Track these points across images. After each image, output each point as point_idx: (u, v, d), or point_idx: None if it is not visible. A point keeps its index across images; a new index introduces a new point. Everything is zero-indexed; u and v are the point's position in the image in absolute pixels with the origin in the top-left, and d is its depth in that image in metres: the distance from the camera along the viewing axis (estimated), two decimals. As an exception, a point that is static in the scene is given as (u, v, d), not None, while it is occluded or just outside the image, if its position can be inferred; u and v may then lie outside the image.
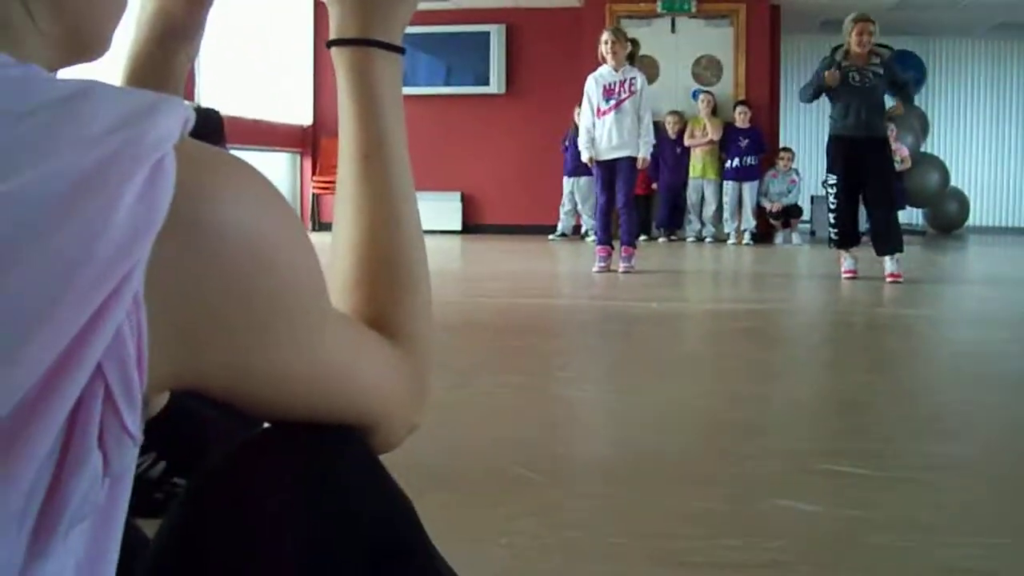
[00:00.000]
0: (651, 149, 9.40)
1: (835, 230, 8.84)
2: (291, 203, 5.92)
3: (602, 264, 9.23)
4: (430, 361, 1.02)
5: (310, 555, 0.83)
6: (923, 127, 16.81)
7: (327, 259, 1.03)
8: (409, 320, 1.00)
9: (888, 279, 8.45)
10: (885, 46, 8.84)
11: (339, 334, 0.87)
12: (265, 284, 0.75)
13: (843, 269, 8.85)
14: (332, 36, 1.05)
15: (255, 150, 14.08)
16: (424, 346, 1.01)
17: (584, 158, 9.31)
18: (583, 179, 13.78)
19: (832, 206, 8.83)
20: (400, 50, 1.07)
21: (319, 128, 15.40)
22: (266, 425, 0.89)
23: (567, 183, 14.54)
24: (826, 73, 8.50)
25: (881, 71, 8.55)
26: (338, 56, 1.05)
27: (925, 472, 2.99)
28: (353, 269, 1.01)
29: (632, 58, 9.31)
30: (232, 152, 0.79)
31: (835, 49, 8.75)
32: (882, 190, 8.70)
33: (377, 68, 1.04)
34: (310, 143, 15.43)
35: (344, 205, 1.03)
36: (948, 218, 17.09)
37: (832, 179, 8.78)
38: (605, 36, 9.27)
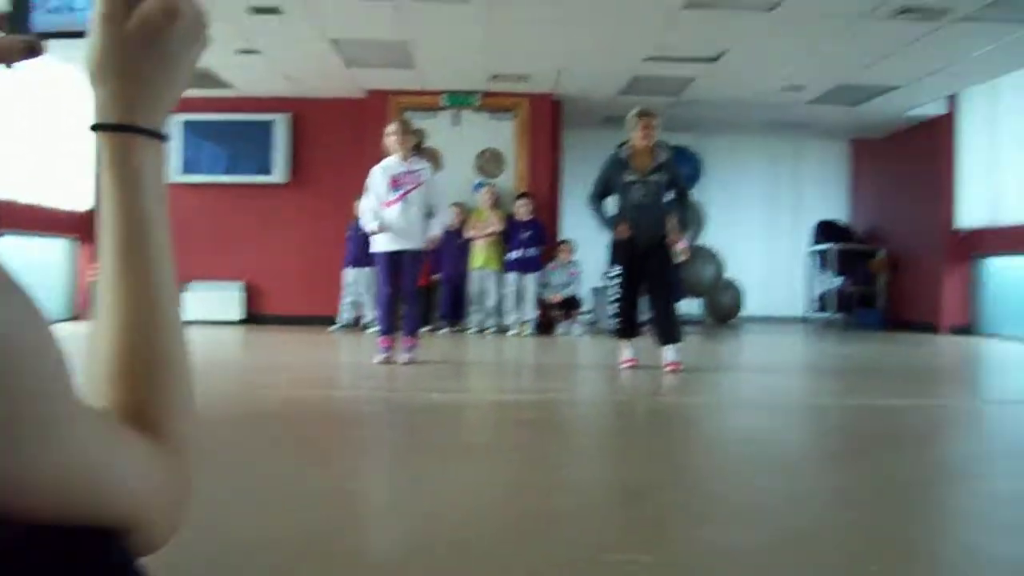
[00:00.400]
0: (445, 227, 9.45)
1: (617, 321, 9.00)
2: (68, 291, 5.72)
3: (385, 355, 9.18)
4: (192, 456, 0.98)
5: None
6: (699, 220, 17.32)
7: (87, 350, 0.98)
8: (169, 415, 0.96)
9: (668, 368, 8.60)
10: (666, 145, 9.05)
11: (90, 430, 0.83)
12: (5, 381, 0.70)
13: (623, 359, 9.00)
14: (95, 120, 1.02)
15: (30, 235, 13.67)
16: (185, 442, 0.97)
17: (371, 228, 9.15)
18: (365, 269, 13.74)
19: (614, 297, 8.99)
20: (164, 137, 1.04)
21: (98, 214, 14.87)
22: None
23: (349, 273, 14.47)
24: (618, 229, 8.70)
25: (664, 177, 8.77)
26: (100, 141, 1.01)
27: (708, 558, 3.02)
28: (111, 362, 0.97)
29: (418, 148, 9.34)
30: (5, 237, 0.74)
31: (620, 145, 8.91)
32: (663, 283, 8.90)
33: (139, 155, 1.01)
34: (88, 229, 15.03)
35: (104, 295, 0.99)
36: (724, 308, 17.60)
37: (614, 271, 8.94)
38: (392, 128, 9.26)
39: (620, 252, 8.85)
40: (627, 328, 8.99)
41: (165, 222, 1.03)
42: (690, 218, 9.14)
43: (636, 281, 8.87)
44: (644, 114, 8.79)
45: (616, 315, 9.02)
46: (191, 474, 0.98)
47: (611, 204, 8.93)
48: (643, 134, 8.69)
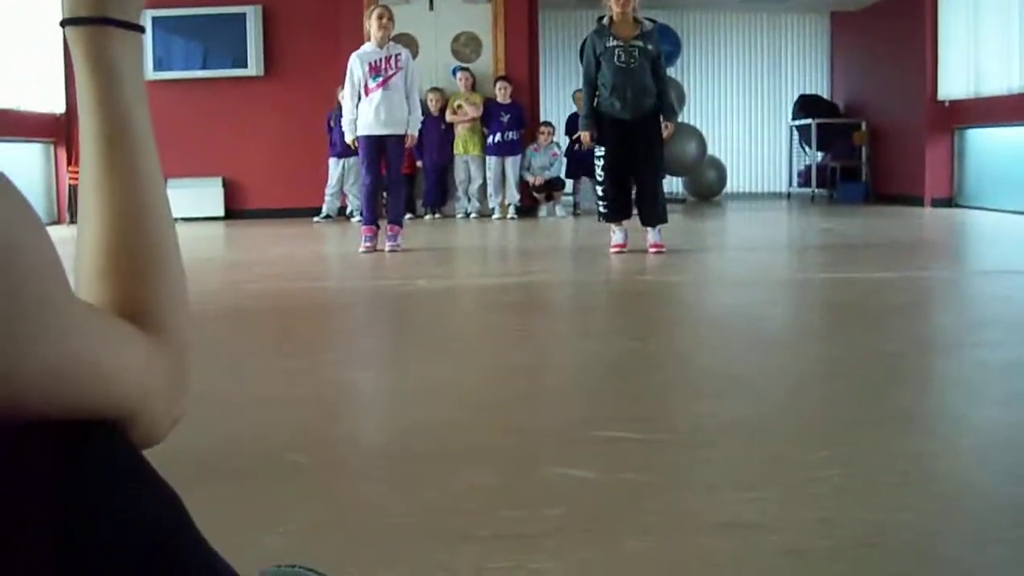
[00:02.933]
0: (419, 126, 9.36)
1: (603, 203, 8.79)
2: (47, 196, 5.67)
3: (368, 244, 9.15)
4: (188, 348, 0.98)
5: (70, 560, 0.77)
6: (680, 98, 17.23)
7: (74, 250, 0.97)
8: (162, 308, 0.95)
9: (651, 249, 8.55)
10: (650, 19, 8.89)
11: (84, 325, 0.82)
12: (4, 278, 0.70)
13: (612, 243, 8.75)
14: (65, 15, 0.99)
15: (5, 141, 13.53)
16: (180, 333, 0.97)
17: (348, 139, 9.21)
18: (352, 159, 13.63)
19: (600, 179, 8.79)
20: (139, 28, 1.01)
21: (73, 116, 14.69)
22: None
23: (335, 165, 14.36)
24: (582, 135, 8.64)
25: (649, 47, 8.56)
26: (73, 36, 0.98)
27: (695, 433, 3.05)
28: (100, 259, 0.95)
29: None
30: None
31: (600, 19, 8.75)
32: (650, 163, 8.73)
33: (115, 48, 0.98)
34: (64, 132, 14.84)
35: (88, 193, 0.98)
36: (707, 186, 17.58)
37: (600, 151, 8.72)
38: (378, 11, 9.11)
39: (605, 130, 8.64)
40: (615, 210, 8.75)
41: (146, 115, 1.01)
42: (670, 97, 8.91)
43: (623, 161, 8.64)
44: None
45: (602, 197, 8.80)
46: (189, 366, 0.98)
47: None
48: (616, 2, 8.51)
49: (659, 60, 8.69)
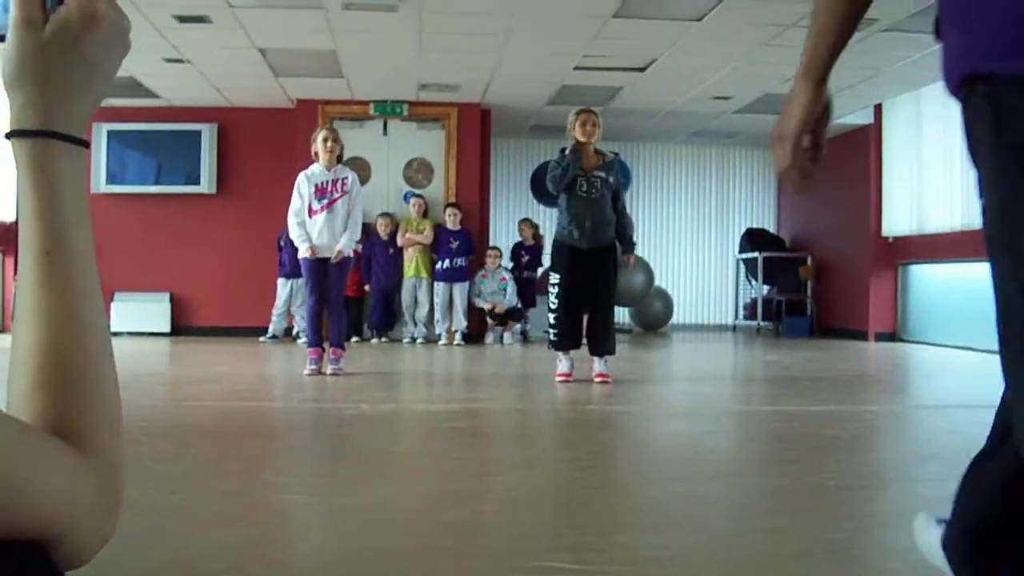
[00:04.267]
0: (354, 244, 9.34)
1: (555, 331, 8.75)
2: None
3: (313, 366, 9.09)
4: (119, 467, 0.96)
5: None
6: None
7: (6, 362, 0.96)
8: (94, 426, 0.94)
9: (597, 379, 8.53)
10: (612, 152, 9.01)
11: (11, 443, 0.81)
12: None
13: (558, 371, 8.71)
14: (11, 127, 0.99)
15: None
16: (112, 452, 0.95)
17: (303, 251, 9.09)
18: (299, 280, 13.60)
19: (552, 306, 8.77)
20: (83, 143, 1.01)
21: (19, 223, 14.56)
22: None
23: (283, 285, 14.32)
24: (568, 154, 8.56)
25: (610, 179, 8.63)
26: (17, 148, 0.99)
27: (636, 564, 3.02)
28: (33, 373, 0.94)
29: (339, 158, 9.26)
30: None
31: (563, 150, 8.79)
32: (604, 294, 8.75)
33: (58, 161, 0.99)
34: (14, 241, 14.73)
35: (24, 304, 0.97)
36: (653, 316, 17.65)
37: (554, 279, 8.74)
38: (324, 134, 9.18)
39: (562, 257, 8.68)
40: (566, 339, 8.70)
41: (87, 230, 1.01)
42: (630, 228, 8.94)
43: (578, 290, 8.64)
44: (582, 111, 8.68)
45: (554, 325, 8.75)
46: (120, 485, 0.96)
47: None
48: (582, 131, 8.54)
49: (619, 191, 8.78)
